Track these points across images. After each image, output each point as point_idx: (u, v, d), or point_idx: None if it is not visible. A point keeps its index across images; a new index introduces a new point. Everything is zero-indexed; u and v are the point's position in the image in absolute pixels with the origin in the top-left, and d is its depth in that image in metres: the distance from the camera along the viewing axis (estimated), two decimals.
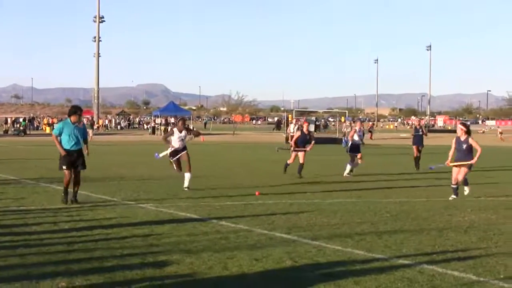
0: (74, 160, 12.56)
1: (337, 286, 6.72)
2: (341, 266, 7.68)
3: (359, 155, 20.72)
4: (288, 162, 19.92)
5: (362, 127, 22.91)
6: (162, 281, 6.90)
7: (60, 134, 12.59)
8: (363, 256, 8.25)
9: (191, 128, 15.95)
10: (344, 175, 20.22)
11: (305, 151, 19.74)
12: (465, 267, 7.71)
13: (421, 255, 8.31)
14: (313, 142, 20.07)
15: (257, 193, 14.13)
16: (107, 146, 41.05)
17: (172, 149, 15.20)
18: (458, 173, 13.83)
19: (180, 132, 15.16)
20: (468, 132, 14.07)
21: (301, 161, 19.51)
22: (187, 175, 15.05)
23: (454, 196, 14.04)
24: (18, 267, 7.39)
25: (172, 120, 72.04)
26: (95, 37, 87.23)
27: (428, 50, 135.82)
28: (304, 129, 20.10)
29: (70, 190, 12.66)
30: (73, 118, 12.67)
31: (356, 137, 21.25)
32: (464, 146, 13.87)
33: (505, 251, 8.76)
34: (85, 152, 12.89)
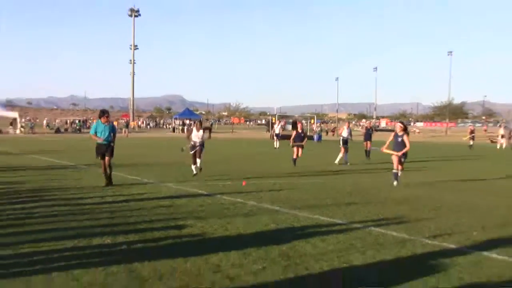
0: (104, 151, 12.42)
1: (307, 243, 6.80)
2: (311, 229, 7.75)
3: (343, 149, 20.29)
4: (294, 157, 18.93)
5: (350, 127, 22.29)
6: (181, 239, 6.97)
7: (96, 132, 12.48)
8: (327, 222, 8.33)
9: (208, 126, 15.24)
10: (348, 164, 19.68)
11: (302, 146, 18.91)
12: (400, 229, 7.82)
13: (370, 221, 8.40)
14: (306, 138, 19.51)
15: (243, 183, 12.84)
16: (139, 140, 40.72)
17: (191, 143, 14.59)
18: (398, 163, 13.43)
19: (198, 131, 14.65)
20: (405, 129, 13.70)
21: (299, 155, 18.79)
22: (198, 161, 14.47)
23: (396, 182, 13.37)
24: (76, 228, 7.45)
25: (187, 121, 71.74)
26: (131, 60, 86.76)
27: (374, 71, 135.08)
28: (299, 129, 19.37)
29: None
30: (102, 119, 12.57)
31: (344, 134, 20.92)
32: (400, 139, 13.41)
33: (428, 217, 8.87)
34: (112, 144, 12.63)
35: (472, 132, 38.64)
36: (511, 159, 25.97)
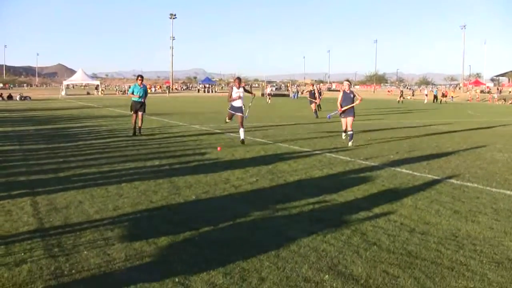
0: (138, 107, 10.32)
1: (286, 163, 6.66)
2: (288, 154, 7.60)
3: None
4: (313, 109, 16.90)
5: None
6: (203, 161, 6.80)
7: (133, 92, 10.52)
8: (298, 150, 8.19)
9: (247, 89, 9.81)
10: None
11: (315, 103, 17.12)
12: (345, 154, 7.69)
13: (325, 149, 8.25)
14: (319, 95, 17.50)
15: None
16: (176, 98, 39.90)
17: (232, 102, 9.20)
18: (346, 124, 9.21)
19: (238, 88, 9.16)
20: (350, 86, 9.91)
21: (313, 108, 16.88)
22: (241, 130, 8.99)
23: (344, 136, 9.87)
24: (136, 155, 7.27)
25: (207, 85, 70.09)
26: (171, 47, 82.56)
27: (328, 52, 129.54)
28: (311, 88, 17.93)
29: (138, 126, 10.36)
30: (138, 82, 10.53)
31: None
32: (351, 95, 9.17)
33: (363, 146, 8.74)
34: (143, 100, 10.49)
35: (401, 92, 40.02)
36: (428, 110, 25.69)
